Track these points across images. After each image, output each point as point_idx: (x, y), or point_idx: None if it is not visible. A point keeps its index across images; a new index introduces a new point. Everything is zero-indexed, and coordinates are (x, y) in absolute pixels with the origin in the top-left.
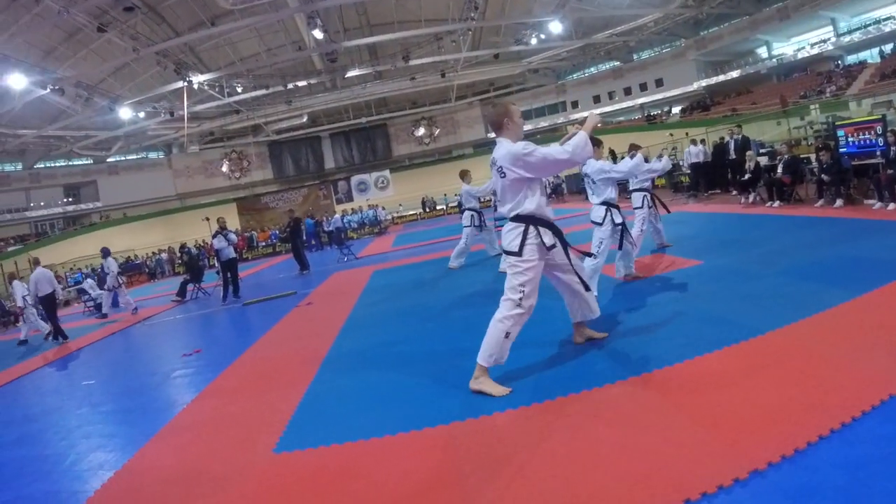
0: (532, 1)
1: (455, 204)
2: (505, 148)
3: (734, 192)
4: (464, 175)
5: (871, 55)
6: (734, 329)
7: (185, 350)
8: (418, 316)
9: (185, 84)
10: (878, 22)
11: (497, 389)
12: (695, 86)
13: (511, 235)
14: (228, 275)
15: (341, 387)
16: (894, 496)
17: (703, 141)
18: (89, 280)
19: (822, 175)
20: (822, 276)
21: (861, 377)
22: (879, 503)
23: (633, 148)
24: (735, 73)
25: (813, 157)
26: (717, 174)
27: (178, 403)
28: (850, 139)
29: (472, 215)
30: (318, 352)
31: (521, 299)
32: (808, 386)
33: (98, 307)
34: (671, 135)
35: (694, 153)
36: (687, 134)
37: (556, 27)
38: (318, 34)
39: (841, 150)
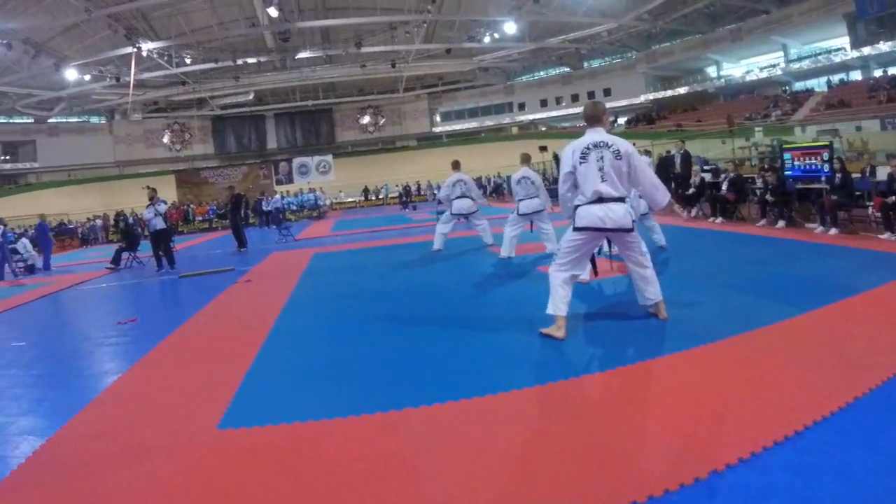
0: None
1: (395, 195)
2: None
3: (676, 206)
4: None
5: (819, 84)
6: (684, 336)
7: (119, 318)
8: (364, 300)
9: (135, 50)
10: (828, 52)
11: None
12: (642, 98)
13: None
14: (160, 246)
15: (287, 364)
16: (845, 500)
17: (648, 152)
18: (23, 240)
19: (767, 196)
20: (764, 291)
21: (811, 389)
22: None
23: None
24: (683, 90)
25: (756, 177)
26: None
27: (114, 371)
28: (797, 163)
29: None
30: (260, 327)
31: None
32: (761, 394)
33: (30, 268)
34: None
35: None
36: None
37: (510, 28)
38: (272, 12)
39: (786, 172)
